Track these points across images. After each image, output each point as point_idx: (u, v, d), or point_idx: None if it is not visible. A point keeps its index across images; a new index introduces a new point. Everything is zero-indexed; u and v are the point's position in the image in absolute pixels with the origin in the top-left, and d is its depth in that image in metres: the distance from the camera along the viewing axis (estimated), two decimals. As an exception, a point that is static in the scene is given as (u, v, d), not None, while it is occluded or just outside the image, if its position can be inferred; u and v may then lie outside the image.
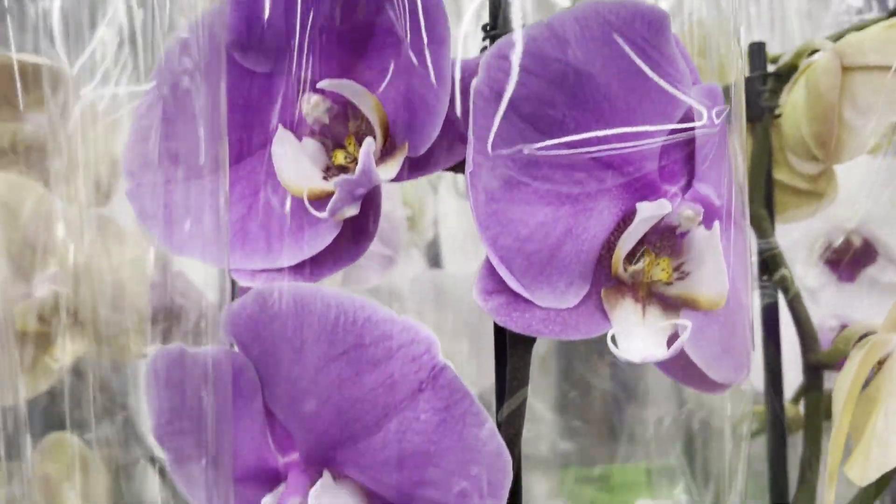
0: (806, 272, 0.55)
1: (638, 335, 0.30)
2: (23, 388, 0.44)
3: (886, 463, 0.32)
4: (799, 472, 0.44)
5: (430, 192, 0.70)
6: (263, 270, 0.31)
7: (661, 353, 0.30)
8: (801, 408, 0.46)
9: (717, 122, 0.31)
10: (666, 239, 0.31)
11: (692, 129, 0.31)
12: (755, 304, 0.47)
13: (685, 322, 0.30)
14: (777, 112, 0.48)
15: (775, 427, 0.46)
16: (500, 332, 0.32)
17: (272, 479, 0.32)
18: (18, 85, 0.35)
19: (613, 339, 0.30)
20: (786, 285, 0.46)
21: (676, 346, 0.29)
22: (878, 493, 0.38)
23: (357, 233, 0.31)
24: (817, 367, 0.45)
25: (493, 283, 0.29)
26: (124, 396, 0.43)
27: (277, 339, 0.29)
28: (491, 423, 0.27)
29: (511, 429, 0.30)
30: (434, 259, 0.72)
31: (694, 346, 0.32)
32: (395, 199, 0.62)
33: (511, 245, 0.29)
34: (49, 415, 0.39)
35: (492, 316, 0.29)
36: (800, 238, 0.54)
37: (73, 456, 0.37)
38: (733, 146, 0.34)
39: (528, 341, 0.31)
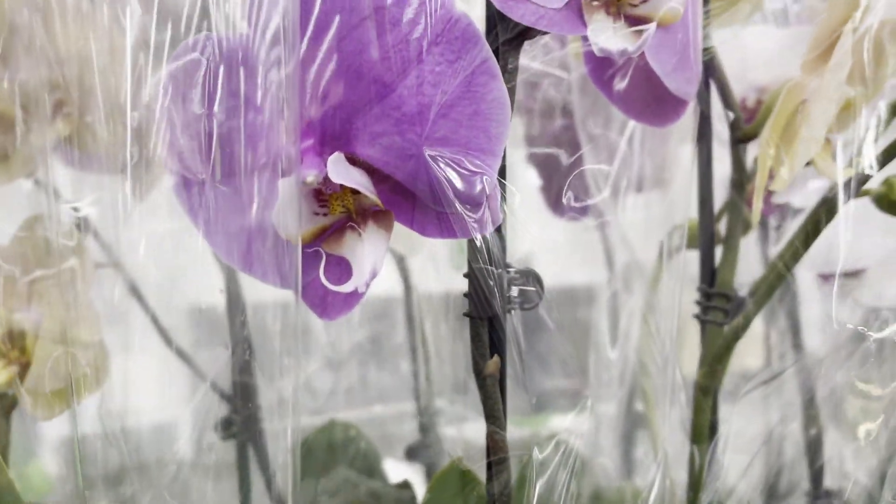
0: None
1: (611, 35, 0.35)
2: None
3: (809, 152, 0.38)
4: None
5: None
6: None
7: (631, 47, 0.35)
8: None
9: None
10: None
11: None
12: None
13: (650, 26, 0.35)
14: None
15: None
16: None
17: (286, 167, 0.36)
18: None
19: (591, 37, 0.35)
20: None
21: (643, 39, 0.35)
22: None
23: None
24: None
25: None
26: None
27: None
28: (498, 73, 0.32)
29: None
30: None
31: (655, 56, 0.37)
32: None
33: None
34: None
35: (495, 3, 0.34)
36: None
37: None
38: None
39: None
